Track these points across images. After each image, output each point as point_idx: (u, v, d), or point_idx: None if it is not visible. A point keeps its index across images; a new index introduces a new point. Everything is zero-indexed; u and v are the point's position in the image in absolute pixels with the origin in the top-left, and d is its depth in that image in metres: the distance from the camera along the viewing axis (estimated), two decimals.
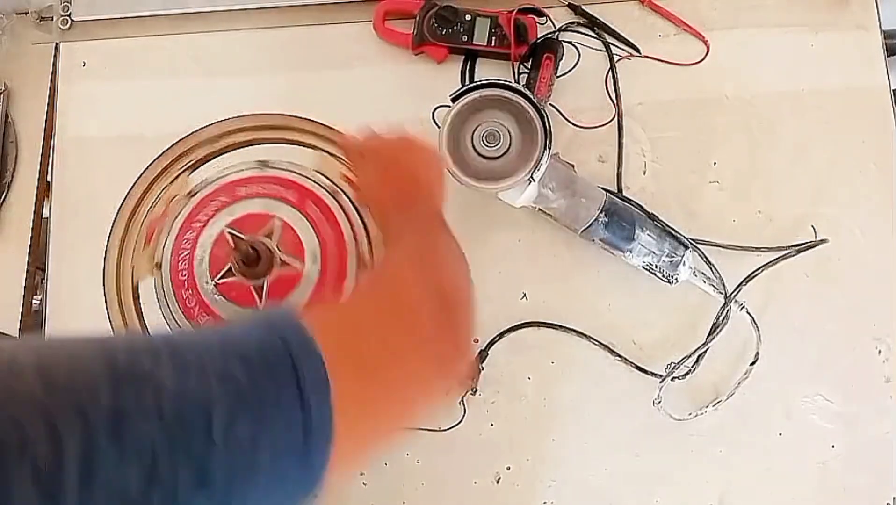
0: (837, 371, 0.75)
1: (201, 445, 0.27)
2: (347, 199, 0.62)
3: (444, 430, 0.75)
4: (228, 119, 0.63)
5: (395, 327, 0.39)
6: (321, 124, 0.66)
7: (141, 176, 0.61)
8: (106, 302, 0.62)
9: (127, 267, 0.64)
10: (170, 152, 0.61)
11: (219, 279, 0.54)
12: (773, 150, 0.79)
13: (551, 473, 0.74)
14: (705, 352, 0.73)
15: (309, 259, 0.56)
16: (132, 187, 0.60)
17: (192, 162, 0.63)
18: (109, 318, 0.66)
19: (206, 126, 0.64)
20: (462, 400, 0.75)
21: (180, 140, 0.63)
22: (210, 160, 0.64)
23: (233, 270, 0.54)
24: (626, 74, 0.81)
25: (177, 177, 0.65)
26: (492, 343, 0.75)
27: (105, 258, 0.60)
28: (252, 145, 0.64)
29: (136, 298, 0.64)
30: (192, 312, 0.56)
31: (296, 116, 0.64)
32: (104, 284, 0.61)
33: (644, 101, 0.80)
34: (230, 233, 0.55)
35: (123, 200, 0.61)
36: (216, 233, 0.56)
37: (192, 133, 0.64)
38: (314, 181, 0.61)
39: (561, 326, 0.76)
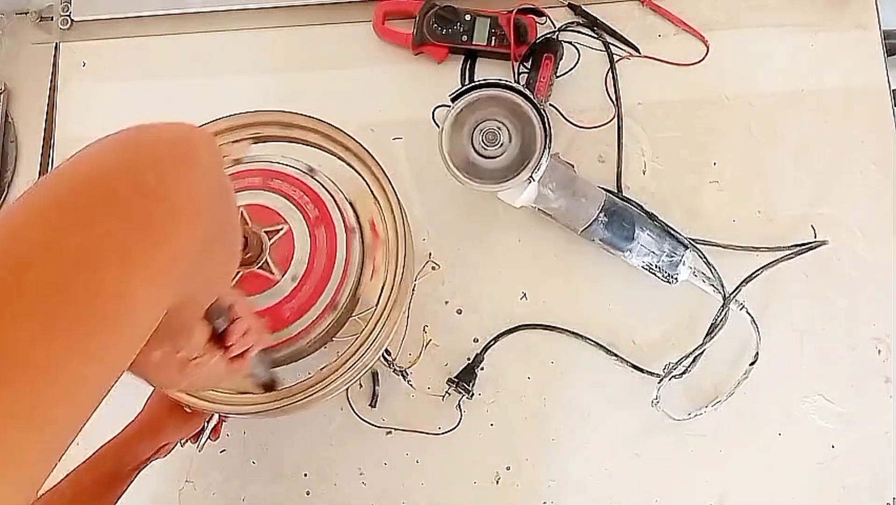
0: (837, 371, 0.75)
1: None
2: (359, 245, 0.62)
3: (441, 433, 0.75)
4: (238, 114, 0.63)
5: None
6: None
7: None
8: None
9: None
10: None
11: None
12: (773, 150, 0.79)
13: (551, 473, 0.74)
14: (702, 352, 0.73)
15: (289, 275, 0.56)
16: None
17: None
18: None
19: (237, 114, 0.63)
20: (459, 404, 0.75)
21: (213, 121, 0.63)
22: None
23: None
24: (626, 74, 0.81)
25: None
26: (487, 347, 0.76)
27: None
28: (280, 141, 0.63)
29: None
30: None
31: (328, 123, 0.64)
32: None
33: (644, 101, 0.80)
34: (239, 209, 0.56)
35: None
36: None
37: (206, 124, 0.63)
38: (341, 210, 0.61)
39: (556, 328, 0.76)
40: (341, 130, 0.61)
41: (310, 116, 0.61)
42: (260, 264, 0.55)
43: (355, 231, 0.62)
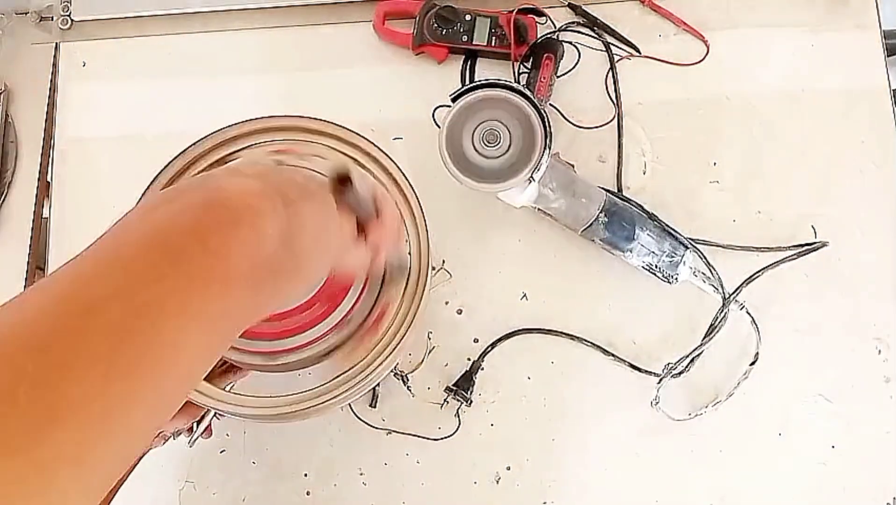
0: (837, 371, 0.75)
1: None
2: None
3: (438, 439, 0.75)
4: (251, 119, 0.63)
5: None
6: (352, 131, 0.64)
7: (157, 177, 0.59)
8: None
9: None
10: (189, 151, 0.60)
11: None
12: (773, 150, 0.79)
13: (551, 473, 0.74)
14: (702, 352, 0.73)
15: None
16: (148, 188, 0.59)
17: (212, 163, 0.62)
18: None
19: (230, 126, 0.63)
20: (457, 412, 0.75)
21: (203, 138, 0.62)
22: (229, 161, 0.63)
23: None
24: (626, 74, 0.81)
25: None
26: (484, 353, 0.75)
27: None
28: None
29: None
30: None
31: (332, 123, 0.63)
32: None
33: (644, 101, 0.80)
34: None
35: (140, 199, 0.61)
36: None
37: (217, 131, 0.63)
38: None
39: (554, 332, 0.76)
40: (381, 150, 0.61)
41: (357, 133, 0.61)
42: None
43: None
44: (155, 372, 0.26)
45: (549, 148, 0.67)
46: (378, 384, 0.75)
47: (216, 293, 0.29)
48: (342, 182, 0.43)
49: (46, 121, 0.83)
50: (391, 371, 0.74)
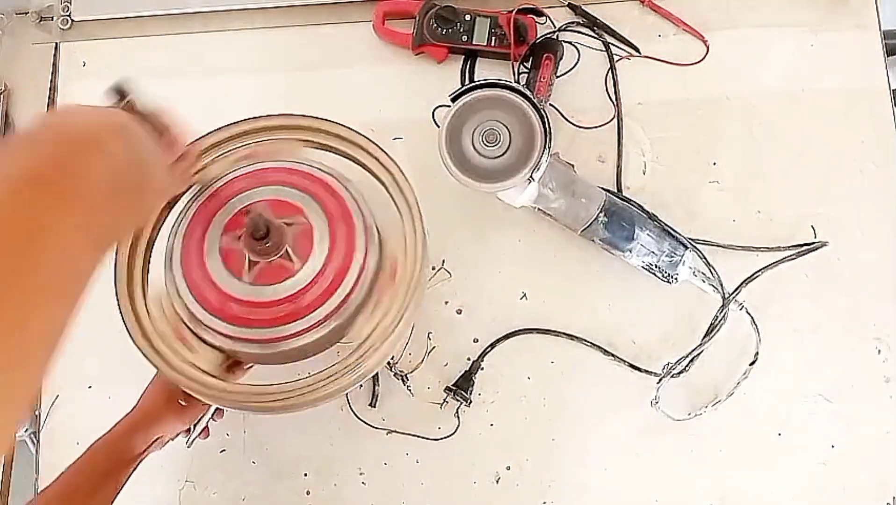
0: (837, 371, 0.75)
1: None
2: (377, 247, 0.61)
3: (437, 439, 0.75)
4: (251, 119, 0.63)
5: None
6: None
7: None
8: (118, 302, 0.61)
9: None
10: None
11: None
12: (773, 150, 0.79)
13: (551, 473, 0.74)
14: (702, 352, 0.73)
15: (308, 265, 0.56)
16: None
17: (212, 160, 0.62)
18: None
19: (230, 125, 0.63)
20: (457, 411, 0.75)
21: (202, 137, 0.62)
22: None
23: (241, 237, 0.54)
24: (626, 74, 0.81)
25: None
26: (484, 354, 0.75)
27: (115, 261, 0.60)
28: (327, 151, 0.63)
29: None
30: None
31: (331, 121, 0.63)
32: (115, 286, 0.60)
33: (644, 101, 0.80)
34: (250, 205, 0.55)
35: None
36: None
37: (217, 130, 0.63)
38: (362, 211, 0.60)
39: (554, 331, 0.76)
40: (377, 145, 0.61)
41: (357, 132, 0.62)
42: (280, 254, 0.55)
43: (373, 231, 0.61)
44: (51, 272, 0.31)
45: (549, 148, 0.67)
46: (378, 383, 0.75)
47: (83, 208, 0.35)
48: (123, 99, 0.48)
49: None
50: (391, 371, 0.74)
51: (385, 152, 0.62)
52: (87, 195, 0.36)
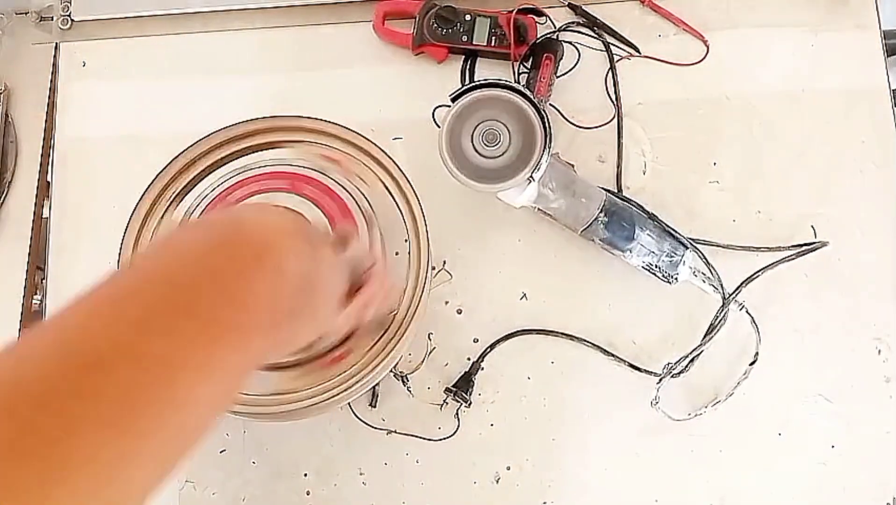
0: (837, 371, 0.75)
1: None
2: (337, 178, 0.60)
3: (437, 439, 0.75)
4: (252, 120, 0.63)
5: None
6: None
7: (157, 176, 0.60)
8: None
9: None
10: (189, 152, 0.61)
11: None
12: (773, 150, 0.79)
13: (551, 473, 0.74)
14: (702, 352, 0.73)
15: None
16: (148, 189, 0.59)
17: (213, 162, 0.62)
18: None
19: (230, 126, 0.63)
20: (457, 412, 0.75)
21: (202, 139, 0.62)
22: (230, 162, 0.63)
23: None
24: (626, 74, 0.81)
25: (195, 176, 0.64)
26: (483, 355, 0.75)
27: (119, 261, 0.59)
28: (274, 148, 0.63)
29: None
30: None
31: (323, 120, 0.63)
32: None
33: (644, 101, 0.80)
34: None
35: (139, 202, 0.61)
36: None
37: (218, 131, 0.63)
38: (365, 216, 0.60)
39: (554, 332, 0.76)
40: (381, 149, 0.61)
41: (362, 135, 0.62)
42: None
43: (376, 231, 0.61)
44: (163, 429, 0.25)
45: (549, 148, 0.67)
46: (378, 384, 0.75)
47: (232, 345, 0.27)
48: (342, 241, 0.43)
49: (46, 121, 0.83)
50: (391, 371, 0.74)
51: (385, 153, 0.62)
52: (238, 328, 0.28)
